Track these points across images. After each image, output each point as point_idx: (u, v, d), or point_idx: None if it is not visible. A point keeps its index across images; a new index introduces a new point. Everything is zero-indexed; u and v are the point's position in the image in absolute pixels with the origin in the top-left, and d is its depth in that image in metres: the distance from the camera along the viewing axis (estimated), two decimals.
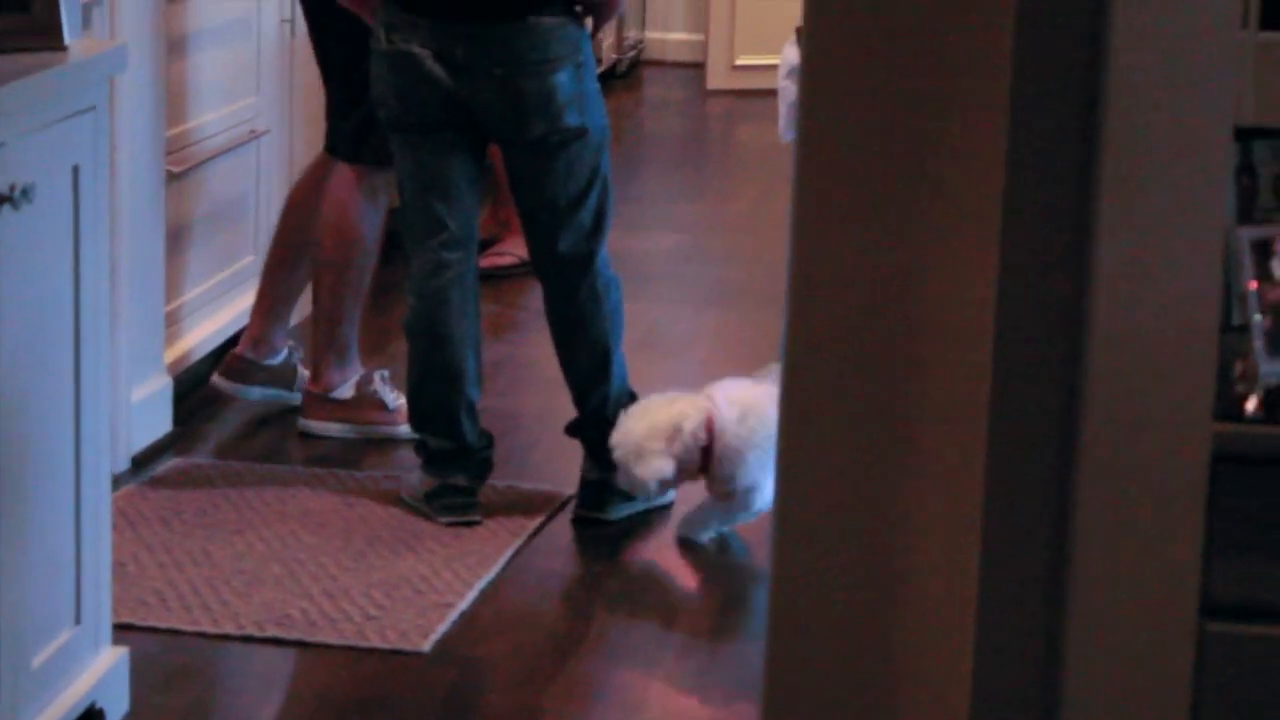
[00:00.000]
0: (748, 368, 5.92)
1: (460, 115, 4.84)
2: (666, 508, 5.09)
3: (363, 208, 5.36)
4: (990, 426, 2.77)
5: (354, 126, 5.33)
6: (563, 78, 4.79)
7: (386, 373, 5.51)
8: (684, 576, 4.82)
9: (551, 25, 4.77)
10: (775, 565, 3.20)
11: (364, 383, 5.43)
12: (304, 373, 5.57)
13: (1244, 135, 2.90)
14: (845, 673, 3.31)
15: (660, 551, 4.89)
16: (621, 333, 5.04)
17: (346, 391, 5.40)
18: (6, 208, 3.22)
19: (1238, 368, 2.74)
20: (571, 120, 4.82)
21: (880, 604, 3.43)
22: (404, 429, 5.30)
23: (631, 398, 5.00)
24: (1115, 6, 2.57)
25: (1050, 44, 2.69)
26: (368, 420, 5.38)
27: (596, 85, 4.94)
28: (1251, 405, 2.68)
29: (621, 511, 4.97)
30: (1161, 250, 2.64)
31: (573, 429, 5.06)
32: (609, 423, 4.92)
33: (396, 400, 5.39)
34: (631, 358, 5.10)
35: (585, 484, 5.02)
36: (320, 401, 5.42)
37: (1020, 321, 2.72)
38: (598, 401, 4.99)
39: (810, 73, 3.35)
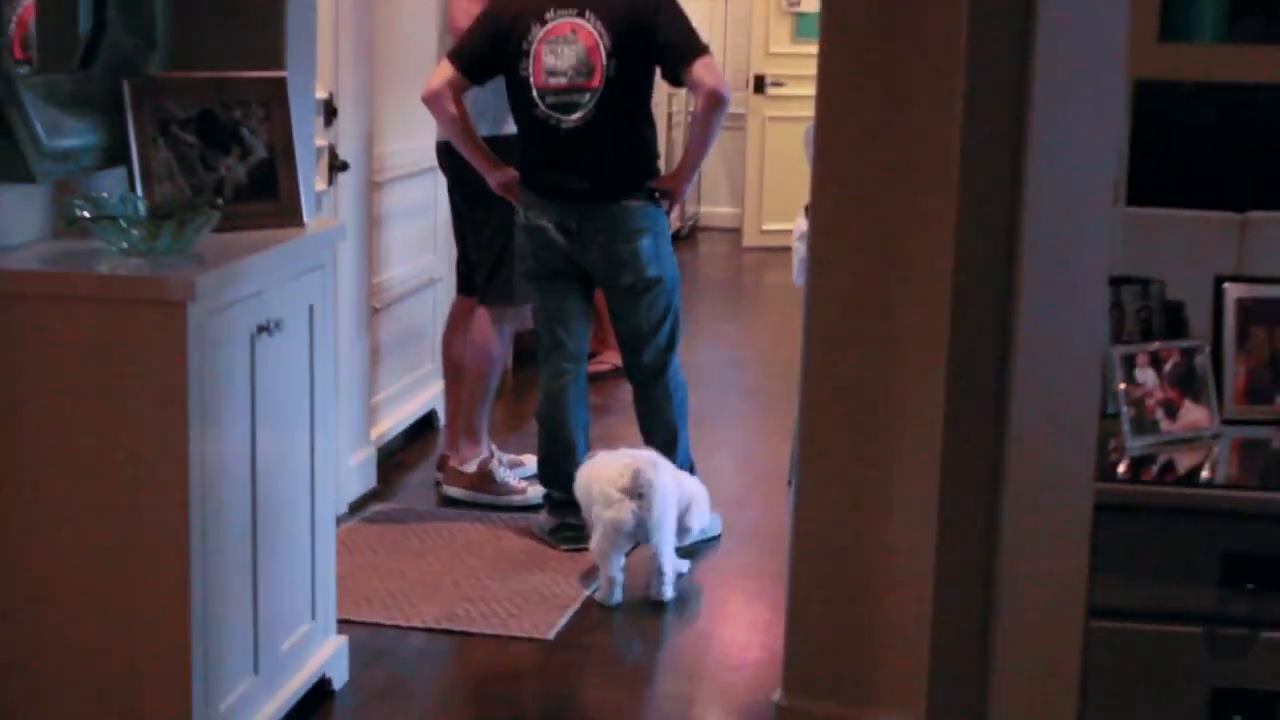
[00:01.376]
0: (772, 440, 5.95)
1: (575, 269, 4.87)
2: (715, 539, 5.07)
3: (494, 336, 5.33)
4: (941, 486, 2.79)
5: (485, 275, 5.32)
6: (645, 243, 4.81)
7: (505, 456, 5.44)
8: (713, 582, 4.80)
9: (637, 206, 4.80)
10: (791, 575, 3.22)
11: (486, 462, 5.36)
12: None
13: (1115, 282, 2.91)
14: (840, 647, 3.32)
15: (713, 569, 4.88)
16: (686, 419, 5.03)
17: (472, 467, 5.34)
18: (265, 334, 3.26)
19: (1112, 443, 2.74)
20: (652, 273, 4.84)
21: (868, 606, 3.44)
22: (517, 499, 5.27)
23: (691, 467, 4.99)
24: (1026, 196, 2.59)
25: (982, 230, 2.71)
26: (487, 490, 5.31)
27: (670, 247, 4.95)
28: (1122, 469, 2.69)
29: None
30: (1060, 362, 2.65)
31: None
32: None
33: (507, 477, 5.35)
34: (692, 431, 5.11)
35: None
36: (455, 472, 5.37)
37: (964, 419, 2.73)
38: None
39: (815, 238, 3.39)
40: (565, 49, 4.72)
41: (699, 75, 4.72)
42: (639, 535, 4.49)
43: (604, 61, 4.70)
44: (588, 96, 4.72)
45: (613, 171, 4.78)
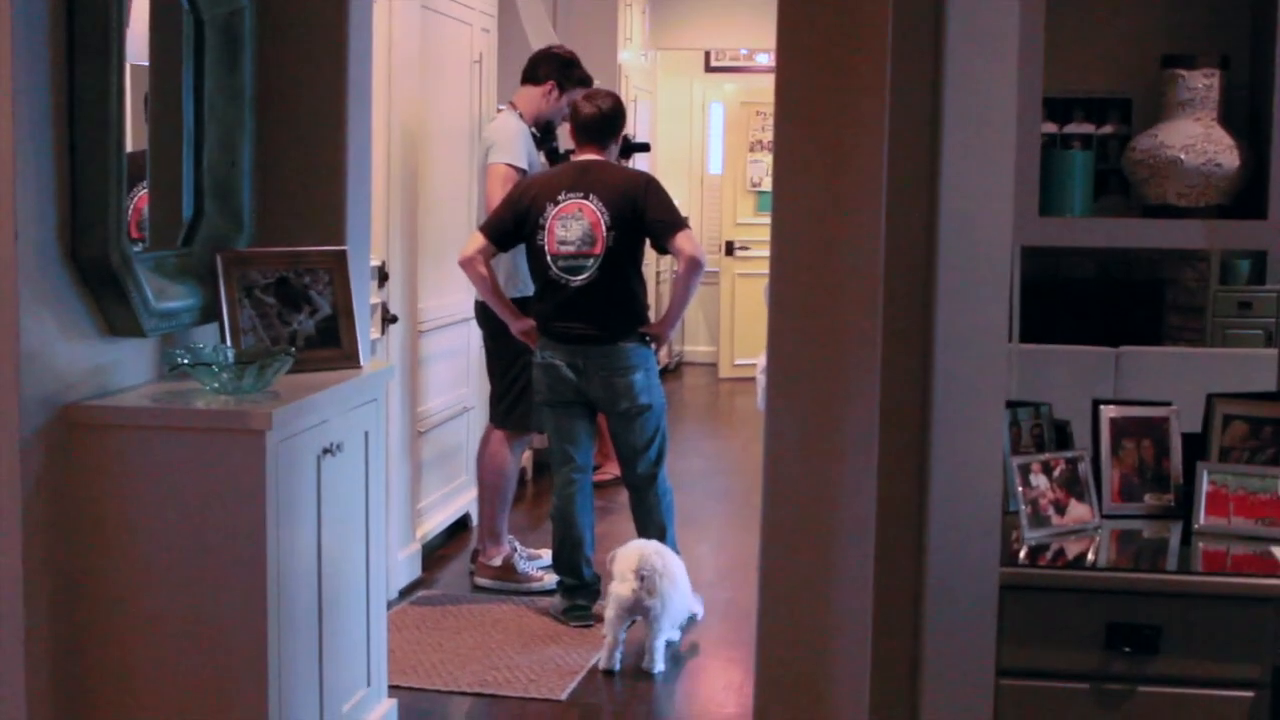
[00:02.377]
0: (743, 533, 5.93)
1: (582, 397, 4.89)
2: (697, 617, 5.04)
3: (508, 456, 5.36)
4: (876, 569, 2.78)
5: (506, 406, 5.36)
6: (638, 376, 4.85)
7: (525, 551, 5.42)
8: (696, 650, 4.79)
9: (631, 347, 4.84)
10: (761, 584, 3.19)
11: (509, 556, 5.34)
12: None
13: (1012, 405, 2.92)
14: (799, 703, 3.29)
15: (696, 639, 4.86)
16: (673, 519, 5.02)
17: (497, 561, 5.32)
18: (329, 455, 3.28)
19: (1014, 535, 2.74)
20: (643, 401, 4.87)
21: (821, 668, 3.42)
22: (535, 585, 5.24)
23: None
24: (936, 337, 2.61)
25: (902, 367, 2.73)
26: (510, 579, 5.29)
27: (658, 379, 4.97)
28: (1022, 556, 2.68)
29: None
30: (969, 470, 2.64)
31: None
32: None
33: (528, 568, 5.33)
34: (678, 526, 5.09)
35: None
36: (484, 566, 5.35)
37: (893, 516, 2.73)
38: None
39: (772, 371, 3.41)
40: (573, 224, 4.79)
41: (680, 245, 4.78)
42: (638, 611, 4.46)
43: (604, 234, 4.76)
44: (591, 261, 4.77)
45: (611, 320, 4.81)
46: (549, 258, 4.81)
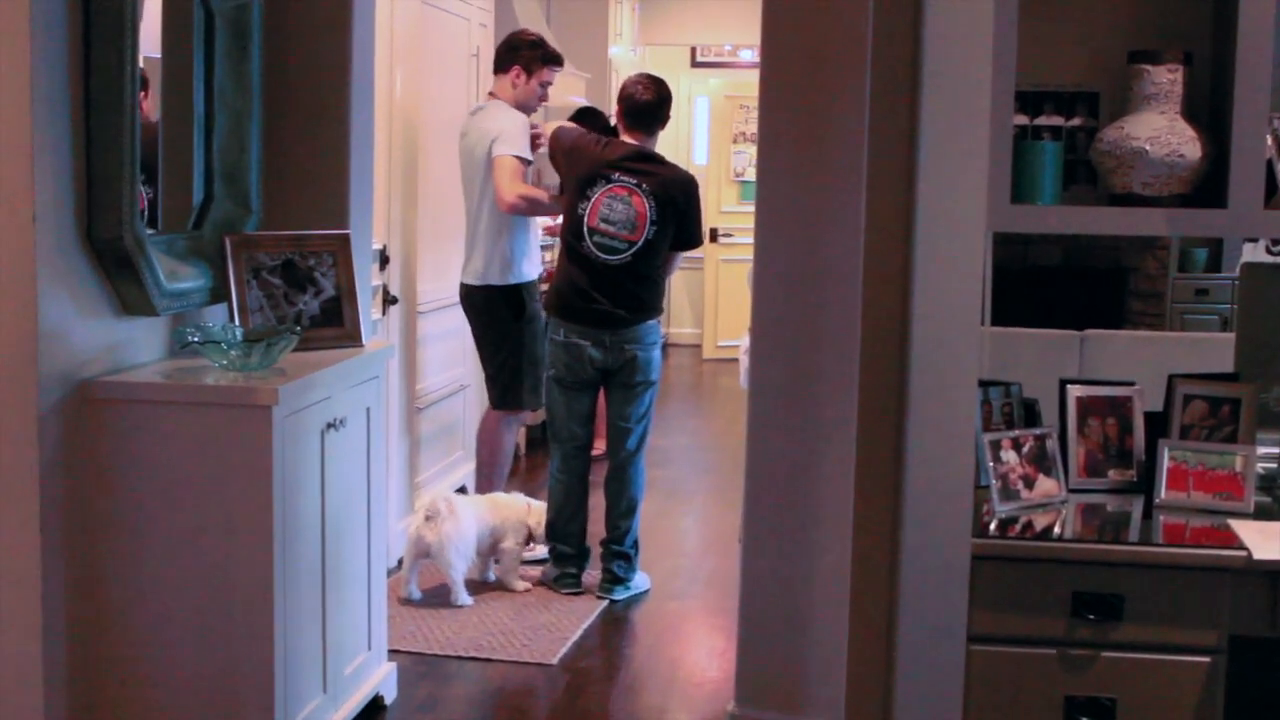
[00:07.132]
0: (726, 506, 5.93)
1: (600, 374, 4.89)
2: (645, 593, 4.97)
3: (504, 434, 5.36)
4: (854, 541, 2.79)
5: (500, 389, 5.35)
6: (655, 353, 4.91)
7: None
8: (680, 617, 4.78)
9: (651, 324, 4.89)
10: (743, 566, 3.19)
11: None
12: None
13: (984, 384, 2.92)
14: (779, 668, 3.29)
15: (680, 607, 4.86)
16: (642, 498, 5.00)
17: None
18: (332, 430, 3.27)
19: (985, 508, 2.74)
20: (653, 376, 4.92)
21: (801, 635, 3.42)
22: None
23: (636, 542, 4.97)
24: (913, 320, 2.61)
25: (880, 346, 2.73)
26: None
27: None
28: (992, 528, 2.68)
29: (620, 594, 4.89)
30: (942, 446, 2.65)
31: (603, 544, 4.98)
32: (623, 549, 4.90)
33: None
34: (660, 502, 5.08)
35: (605, 574, 4.95)
36: None
37: (871, 489, 2.73)
38: (621, 533, 4.94)
39: (756, 354, 3.41)
40: (619, 205, 4.79)
41: (683, 256, 4.99)
42: (421, 549, 4.66)
43: (647, 226, 4.78)
44: (627, 246, 4.78)
45: (639, 302, 4.84)
46: (585, 229, 4.80)
